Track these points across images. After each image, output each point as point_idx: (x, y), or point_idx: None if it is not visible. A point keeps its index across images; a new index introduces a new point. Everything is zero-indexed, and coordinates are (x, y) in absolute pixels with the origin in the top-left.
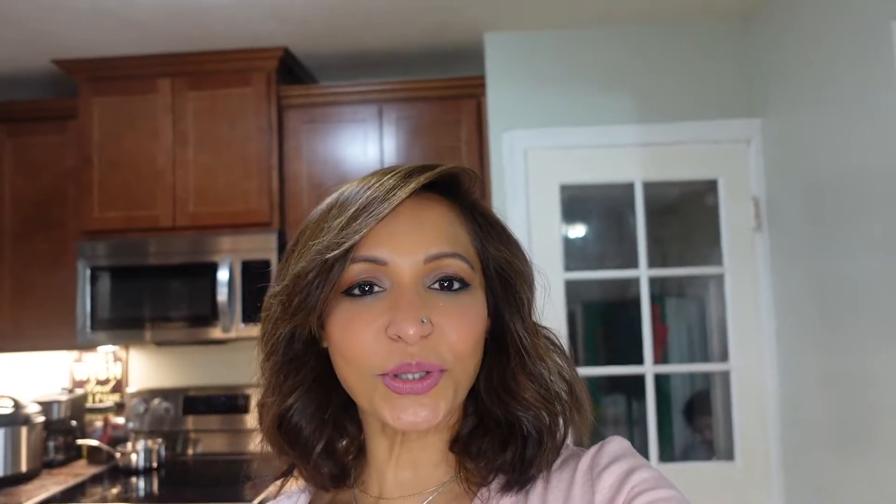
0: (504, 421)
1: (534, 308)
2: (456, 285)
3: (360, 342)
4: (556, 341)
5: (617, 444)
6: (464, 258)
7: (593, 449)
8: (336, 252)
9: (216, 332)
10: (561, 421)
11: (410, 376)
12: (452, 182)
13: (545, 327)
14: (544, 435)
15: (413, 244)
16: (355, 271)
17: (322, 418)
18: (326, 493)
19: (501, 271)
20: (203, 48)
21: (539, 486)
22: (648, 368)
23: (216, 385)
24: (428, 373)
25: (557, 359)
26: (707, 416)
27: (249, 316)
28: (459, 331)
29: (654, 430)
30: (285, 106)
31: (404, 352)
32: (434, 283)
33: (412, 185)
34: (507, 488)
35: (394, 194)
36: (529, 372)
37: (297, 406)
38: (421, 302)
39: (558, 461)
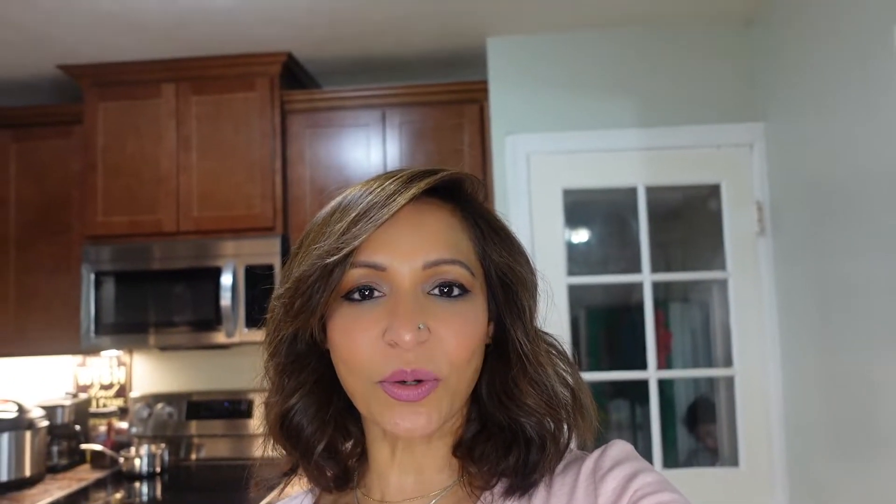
0: (507, 426)
1: (536, 314)
2: (455, 292)
3: (358, 348)
4: (559, 347)
5: (620, 447)
6: (463, 265)
7: (596, 453)
8: (336, 257)
9: (220, 337)
10: (565, 426)
11: (408, 382)
12: (455, 187)
13: (548, 333)
14: (547, 440)
15: (412, 250)
16: (355, 276)
17: (323, 419)
18: (330, 495)
19: (503, 277)
20: (207, 53)
21: (542, 490)
22: (652, 374)
23: (220, 390)
24: (422, 381)
25: (560, 364)
26: (711, 421)
27: (253, 320)
28: (457, 338)
29: (658, 435)
30: (289, 111)
31: (400, 358)
32: (433, 289)
33: (412, 191)
34: (510, 492)
35: (394, 200)
36: (531, 378)
37: (298, 406)
38: (419, 308)
39: (561, 465)
